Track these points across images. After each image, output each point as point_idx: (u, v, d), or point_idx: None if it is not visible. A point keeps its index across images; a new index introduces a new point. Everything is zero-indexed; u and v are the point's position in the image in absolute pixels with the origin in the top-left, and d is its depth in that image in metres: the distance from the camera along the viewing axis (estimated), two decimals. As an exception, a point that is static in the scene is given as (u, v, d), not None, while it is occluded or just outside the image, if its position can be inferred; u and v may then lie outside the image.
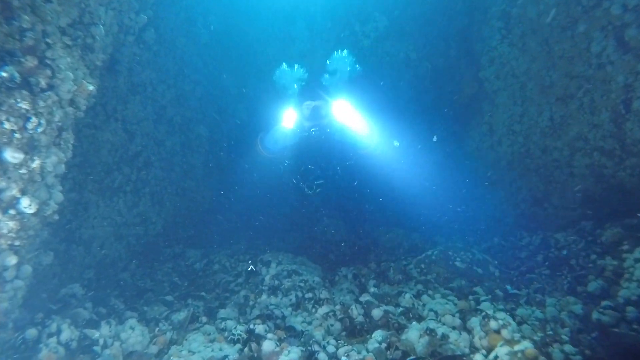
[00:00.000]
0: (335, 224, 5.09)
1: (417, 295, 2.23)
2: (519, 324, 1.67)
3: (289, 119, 3.67)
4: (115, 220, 3.08)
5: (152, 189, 3.57)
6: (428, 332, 1.68)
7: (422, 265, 2.77)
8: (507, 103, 4.40)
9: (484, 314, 1.72)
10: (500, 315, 1.67)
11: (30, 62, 1.49)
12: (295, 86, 3.82)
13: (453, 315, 1.84)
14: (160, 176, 3.66)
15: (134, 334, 1.79)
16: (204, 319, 2.09)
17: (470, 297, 2.16)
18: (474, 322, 1.70)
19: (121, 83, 2.87)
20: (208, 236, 4.78)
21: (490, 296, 2.16)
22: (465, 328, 1.73)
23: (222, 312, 2.19)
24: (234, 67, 4.63)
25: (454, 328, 1.75)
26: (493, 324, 1.62)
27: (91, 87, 1.71)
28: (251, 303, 2.34)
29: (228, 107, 4.55)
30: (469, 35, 4.67)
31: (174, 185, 3.92)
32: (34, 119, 1.49)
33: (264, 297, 2.37)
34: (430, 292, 2.26)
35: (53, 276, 2.32)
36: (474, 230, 4.77)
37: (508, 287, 2.26)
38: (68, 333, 1.64)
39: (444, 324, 1.78)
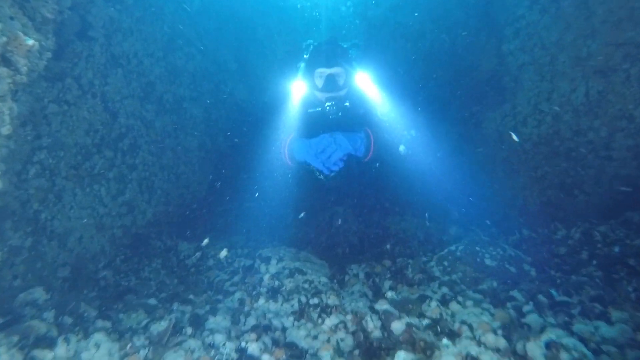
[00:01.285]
0: (343, 212, 4.73)
1: (444, 302, 1.86)
2: (594, 353, 1.28)
3: (297, 93, 3.14)
4: (97, 211, 2.72)
5: (140, 175, 3.21)
6: (468, 359, 1.32)
7: (445, 263, 2.40)
8: (534, 79, 3.94)
9: (547, 339, 1.32)
10: (569, 342, 1.28)
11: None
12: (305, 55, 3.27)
13: (495, 333, 1.46)
14: (149, 161, 3.30)
15: (99, 354, 1.45)
16: (189, 330, 1.74)
17: (509, 305, 1.79)
18: (534, 350, 1.31)
19: (97, 53, 2.48)
20: (204, 227, 4.45)
21: (532, 303, 1.79)
22: (515, 353, 1.35)
23: (211, 321, 1.84)
24: (231, 40, 4.20)
25: (498, 351, 1.37)
26: (565, 358, 1.22)
27: (31, 42, 1.32)
28: (246, 309, 1.99)
29: (226, 85, 4.14)
30: (491, 3, 4.19)
31: (166, 170, 3.56)
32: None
33: (261, 301, 2.02)
34: (459, 297, 1.89)
35: (14, 278, 1.98)
36: (492, 220, 4.39)
37: (553, 291, 1.89)
38: (7, 358, 1.30)
39: (485, 346, 1.41)
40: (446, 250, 2.63)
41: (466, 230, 3.88)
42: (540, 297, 1.87)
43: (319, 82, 3.07)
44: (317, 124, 3.27)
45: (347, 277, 2.52)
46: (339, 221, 4.57)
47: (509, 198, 4.53)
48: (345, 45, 3.28)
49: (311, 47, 3.27)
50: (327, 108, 3.11)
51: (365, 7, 4.08)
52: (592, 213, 3.66)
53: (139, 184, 3.22)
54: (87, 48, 2.36)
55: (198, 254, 3.04)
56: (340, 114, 3.16)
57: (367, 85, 3.23)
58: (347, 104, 3.17)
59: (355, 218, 4.61)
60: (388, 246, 3.77)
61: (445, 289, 2.10)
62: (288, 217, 4.76)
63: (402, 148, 3.47)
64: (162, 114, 3.38)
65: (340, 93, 3.11)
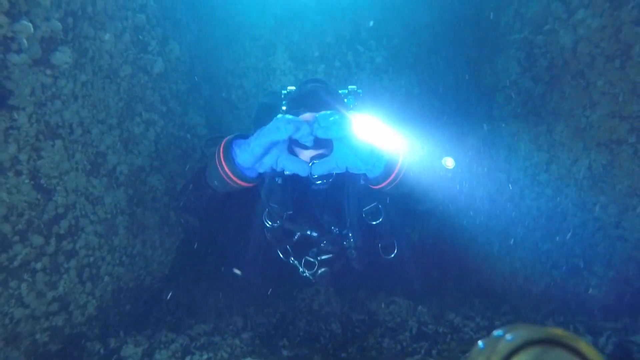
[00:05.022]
0: (325, 291, 4.20)
1: None
2: None
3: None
4: (11, 315, 2.17)
5: (80, 262, 2.69)
6: None
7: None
8: (530, 148, 3.67)
9: None
10: None
11: None
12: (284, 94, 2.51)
13: None
14: (94, 244, 2.79)
15: None
16: None
17: None
18: None
19: (24, 123, 2.05)
20: (166, 310, 3.86)
21: None
22: None
23: None
24: (202, 102, 3.86)
25: None
26: None
27: None
28: None
29: (195, 151, 3.75)
30: (480, 67, 4.02)
31: (117, 252, 3.04)
32: None
33: None
34: None
35: None
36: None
37: None
38: None
39: None
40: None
41: (464, 319, 3.41)
42: None
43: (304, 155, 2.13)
44: (293, 190, 2.48)
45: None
46: (321, 301, 4.04)
47: (509, 275, 4.11)
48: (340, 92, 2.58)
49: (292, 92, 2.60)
50: (314, 174, 2.08)
51: (349, 73, 3.83)
52: (605, 299, 3.25)
53: (79, 272, 2.68)
54: (6, 119, 1.94)
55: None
56: (330, 180, 2.17)
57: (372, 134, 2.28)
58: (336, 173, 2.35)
59: (339, 298, 4.09)
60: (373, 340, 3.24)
61: None
62: (263, 294, 4.21)
63: (448, 162, 2.26)
64: (114, 188, 2.93)
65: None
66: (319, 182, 2.12)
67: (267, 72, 3.97)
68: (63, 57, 1.92)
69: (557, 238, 3.49)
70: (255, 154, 1.73)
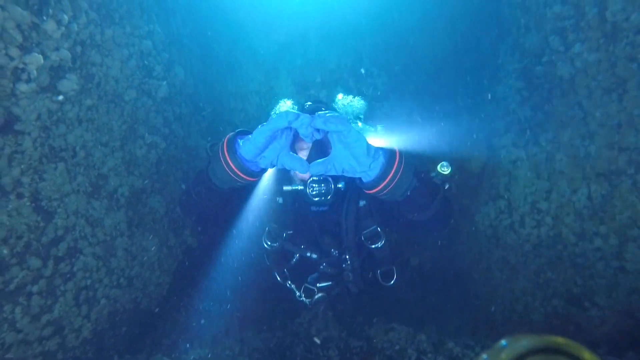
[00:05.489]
0: (323, 316, 4.15)
1: None
2: None
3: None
4: (2, 340, 2.15)
5: (78, 284, 2.67)
6: None
7: None
8: (530, 176, 3.68)
9: None
10: None
11: None
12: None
13: None
14: (92, 266, 2.78)
15: None
16: None
17: None
18: None
19: (28, 147, 2.08)
20: (162, 332, 3.81)
21: None
22: None
23: None
24: (205, 125, 3.91)
25: None
26: None
27: None
28: None
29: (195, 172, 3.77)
30: (481, 95, 4.07)
31: (115, 275, 3.03)
32: None
33: None
34: None
35: None
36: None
37: None
38: None
39: None
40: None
41: (463, 348, 3.35)
42: None
43: (303, 154, 2.21)
44: (293, 210, 2.55)
45: None
46: (319, 326, 3.98)
47: (509, 302, 4.07)
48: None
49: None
50: (312, 189, 2.19)
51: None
52: (606, 330, 3.20)
53: (75, 295, 2.66)
54: (12, 144, 1.96)
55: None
56: (329, 198, 2.24)
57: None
58: (340, 185, 2.29)
59: (338, 324, 4.03)
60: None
61: None
62: (260, 317, 4.16)
63: (445, 170, 2.26)
64: (115, 210, 2.93)
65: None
66: (316, 199, 2.15)
67: (269, 97, 4.03)
68: (70, 84, 1.96)
69: (558, 267, 3.47)
70: (257, 144, 1.69)
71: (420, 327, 3.82)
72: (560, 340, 0.57)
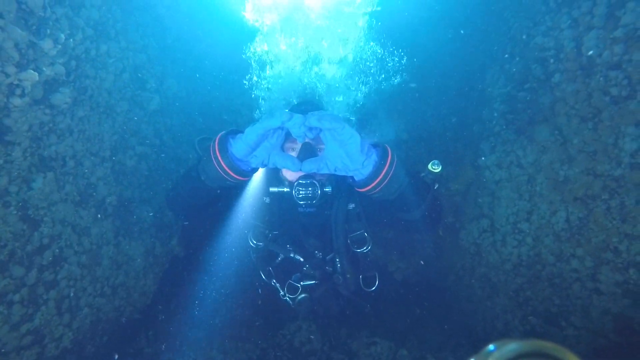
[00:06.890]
0: (307, 327, 4.18)
1: None
2: None
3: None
4: (-17, 350, 2.15)
5: (60, 293, 2.68)
6: None
7: None
8: (512, 197, 3.78)
9: None
10: None
11: None
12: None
13: None
14: (76, 274, 2.78)
15: None
16: None
17: None
18: None
19: (17, 157, 2.11)
20: (145, 340, 3.81)
21: None
22: None
23: None
24: (195, 136, 3.94)
25: None
26: None
27: None
28: None
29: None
30: (467, 115, 4.18)
31: (99, 283, 3.03)
32: None
33: None
34: None
35: None
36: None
37: None
38: None
39: None
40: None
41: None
42: None
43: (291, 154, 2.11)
44: (280, 211, 2.52)
45: None
46: (303, 338, 4.01)
47: (489, 319, 4.14)
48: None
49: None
50: (298, 192, 2.11)
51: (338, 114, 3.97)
52: (584, 351, 3.28)
53: (58, 304, 2.67)
54: (1, 154, 1.99)
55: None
56: (314, 202, 2.15)
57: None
58: (327, 189, 2.19)
59: (321, 336, 4.06)
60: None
61: None
62: (245, 324, 4.17)
63: (436, 168, 2.18)
64: (102, 219, 2.95)
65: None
66: (302, 202, 2.13)
67: (261, 109, 4.09)
68: (63, 97, 2.00)
69: (537, 286, 3.55)
70: (249, 143, 1.67)
71: (402, 342, 3.87)
72: (547, 344, 0.58)
